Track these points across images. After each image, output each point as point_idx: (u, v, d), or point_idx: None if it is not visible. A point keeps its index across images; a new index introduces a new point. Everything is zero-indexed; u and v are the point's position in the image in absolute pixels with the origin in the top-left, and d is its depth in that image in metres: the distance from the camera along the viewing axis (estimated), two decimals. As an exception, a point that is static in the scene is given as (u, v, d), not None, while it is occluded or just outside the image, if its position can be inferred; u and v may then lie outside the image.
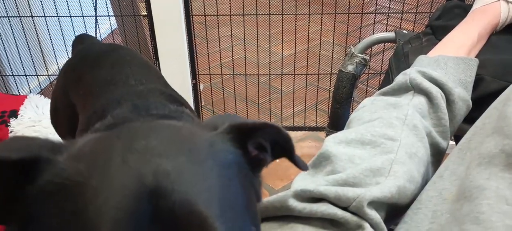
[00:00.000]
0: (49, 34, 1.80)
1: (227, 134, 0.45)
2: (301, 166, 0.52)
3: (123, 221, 0.34)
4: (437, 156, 0.69)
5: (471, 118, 0.70)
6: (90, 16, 1.81)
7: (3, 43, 1.95)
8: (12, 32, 1.87)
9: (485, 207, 0.46)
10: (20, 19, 1.82)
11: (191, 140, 0.43)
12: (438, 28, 0.93)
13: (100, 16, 1.80)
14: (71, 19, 1.80)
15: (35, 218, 0.37)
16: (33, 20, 1.78)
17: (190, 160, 0.39)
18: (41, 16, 1.78)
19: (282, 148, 0.50)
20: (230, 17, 1.67)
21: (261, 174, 0.52)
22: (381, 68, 1.81)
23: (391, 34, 1.13)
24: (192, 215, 0.35)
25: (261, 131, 0.48)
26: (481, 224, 0.45)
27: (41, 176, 0.38)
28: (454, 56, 0.76)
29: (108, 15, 1.89)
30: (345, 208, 0.55)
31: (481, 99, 0.73)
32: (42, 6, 1.77)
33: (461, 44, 0.80)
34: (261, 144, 0.50)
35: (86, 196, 0.35)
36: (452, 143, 0.74)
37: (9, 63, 1.99)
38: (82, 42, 1.15)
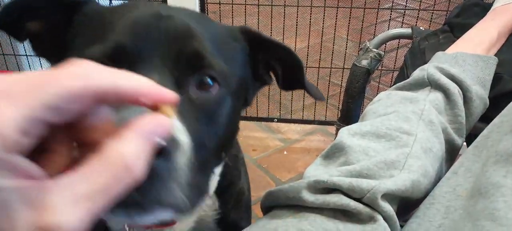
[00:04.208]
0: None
1: (240, 32, 0.57)
2: (314, 93, 0.62)
3: (136, 24, 0.47)
4: (452, 152, 0.68)
5: (487, 117, 0.69)
6: (105, -1, 1.82)
7: (18, 23, 1.95)
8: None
9: (501, 204, 0.46)
10: None
11: (208, 19, 0.55)
12: (457, 26, 0.92)
13: None
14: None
15: (78, 34, 0.51)
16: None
17: (203, 22, 0.52)
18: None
19: (292, 73, 0.60)
20: (245, 7, 1.66)
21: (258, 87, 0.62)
22: (394, 66, 1.79)
23: (407, 30, 1.12)
24: (189, 31, 0.48)
25: (272, 48, 0.58)
26: (496, 221, 0.45)
27: (82, 10, 0.52)
28: (472, 54, 0.75)
29: None
30: (358, 199, 0.54)
31: (499, 98, 0.73)
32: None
33: (480, 42, 0.79)
34: (270, 63, 0.59)
35: (114, 14, 0.49)
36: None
37: (23, 42, 2.00)
38: None
